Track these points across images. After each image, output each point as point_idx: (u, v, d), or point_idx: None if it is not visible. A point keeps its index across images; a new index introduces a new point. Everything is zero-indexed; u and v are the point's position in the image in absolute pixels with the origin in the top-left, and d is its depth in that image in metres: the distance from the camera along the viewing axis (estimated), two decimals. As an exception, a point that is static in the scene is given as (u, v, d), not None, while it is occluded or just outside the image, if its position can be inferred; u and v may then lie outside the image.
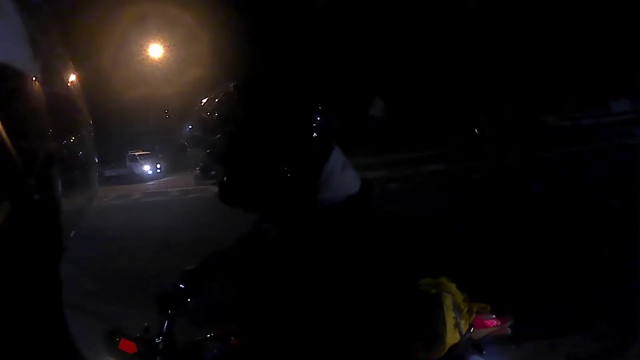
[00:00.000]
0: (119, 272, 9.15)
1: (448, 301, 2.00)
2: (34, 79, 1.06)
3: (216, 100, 1.77)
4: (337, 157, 1.74)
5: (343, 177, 1.73)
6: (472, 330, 2.09)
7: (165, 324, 2.06)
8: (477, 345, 2.11)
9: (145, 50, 37.48)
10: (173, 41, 37.01)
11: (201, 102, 1.79)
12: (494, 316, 2.23)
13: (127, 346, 1.97)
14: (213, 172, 1.79)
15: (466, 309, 2.07)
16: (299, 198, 1.69)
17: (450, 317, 1.97)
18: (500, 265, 6.26)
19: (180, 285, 2.17)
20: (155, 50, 37.35)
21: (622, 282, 5.27)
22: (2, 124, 0.92)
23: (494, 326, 2.21)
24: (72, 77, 1.27)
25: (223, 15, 33.64)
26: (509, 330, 2.24)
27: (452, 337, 1.97)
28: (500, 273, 5.78)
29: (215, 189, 1.76)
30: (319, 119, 1.75)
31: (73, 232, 1.23)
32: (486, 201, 12.12)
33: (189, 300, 2.16)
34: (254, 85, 1.83)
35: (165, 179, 33.65)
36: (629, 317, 4.72)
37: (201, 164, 1.82)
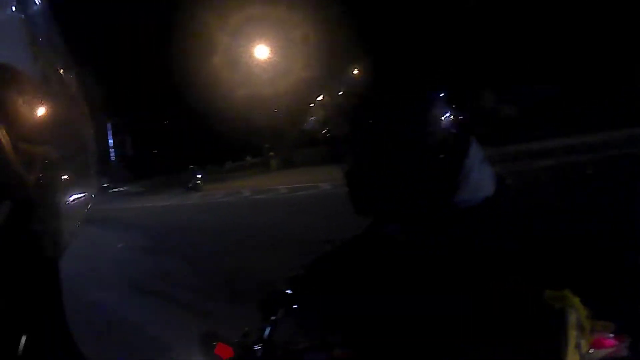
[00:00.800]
0: (226, 270, 9.34)
1: (572, 318, 1.74)
2: (34, 79, 1.06)
3: (338, 96, 1.66)
4: (475, 150, 1.55)
5: (481, 174, 1.55)
6: (591, 351, 1.86)
7: (267, 330, 1.95)
8: None
9: (251, 51, 38.60)
10: (279, 42, 37.87)
11: (320, 98, 1.69)
12: (612, 335, 1.99)
13: (224, 351, 1.90)
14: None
15: (589, 327, 1.84)
16: (434, 198, 1.53)
17: (572, 336, 1.72)
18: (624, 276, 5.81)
19: (287, 291, 2.08)
20: (262, 52, 38.36)
21: None
22: (2, 124, 0.92)
23: (612, 346, 1.97)
24: (73, 77, 1.25)
25: (330, 15, 33.95)
26: (627, 351, 1.99)
27: (572, 358, 1.75)
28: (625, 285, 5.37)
29: (327, 186, 1.65)
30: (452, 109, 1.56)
31: (74, 234, 1.18)
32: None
33: (294, 306, 2.06)
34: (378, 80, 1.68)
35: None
36: None
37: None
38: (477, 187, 1.52)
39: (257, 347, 1.91)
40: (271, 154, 41.91)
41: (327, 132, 1.62)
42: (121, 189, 60.49)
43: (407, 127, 1.48)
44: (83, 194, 1.25)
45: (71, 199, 1.16)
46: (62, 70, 1.21)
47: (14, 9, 1.08)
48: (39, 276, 1.02)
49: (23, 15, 1.08)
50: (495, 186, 1.56)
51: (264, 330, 1.95)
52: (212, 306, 6.97)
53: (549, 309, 1.76)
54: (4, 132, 0.92)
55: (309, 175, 24.02)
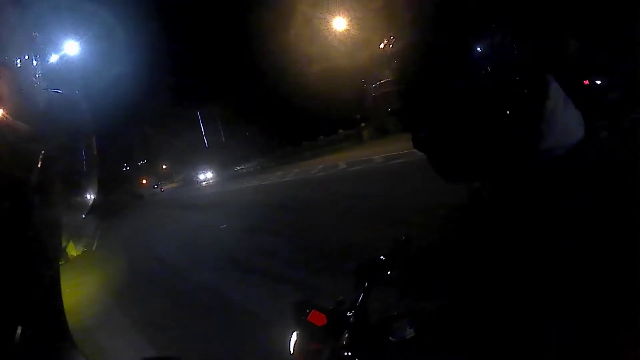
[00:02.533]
0: (327, 244, 9.37)
1: None
2: (34, 79, 1.06)
3: (393, 41, 1.50)
4: (556, 90, 1.37)
5: (567, 117, 1.37)
6: None
7: (360, 296, 1.96)
8: None
9: (329, 24, 38.42)
10: (355, 14, 37.48)
11: (380, 47, 1.52)
12: None
13: (317, 318, 1.92)
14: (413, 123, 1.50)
15: None
16: (517, 147, 1.36)
17: None
18: None
19: (381, 257, 2.06)
20: (340, 24, 38.12)
21: None
22: (2, 124, 0.92)
23: None
24: (73, 78, 1.25)
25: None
26: None
27: None
28: None
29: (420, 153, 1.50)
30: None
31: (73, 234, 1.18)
32: None
33: (388, 272, 2.05)
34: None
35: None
36: None
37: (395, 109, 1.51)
38: (564, 130, 1.35)
39: (349, 314, 1.92)
40: (362, 124, 41.73)
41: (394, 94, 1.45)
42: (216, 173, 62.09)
43: (473, 72, 1.33)
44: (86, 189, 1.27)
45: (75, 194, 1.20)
46: (63, 70, 1.23)
47: (26, 57, 1.09)
48: (39, 274, 1.04)
49: (23, 14, 1.10)
50: (584, 131, 1.38)
51: (357, 297, 1.96)
52: (315, 280, 7.05)
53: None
54: (4, 132, 0.93)
55: (401, 143, 23.80)
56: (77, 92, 1.31)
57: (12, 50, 1.07)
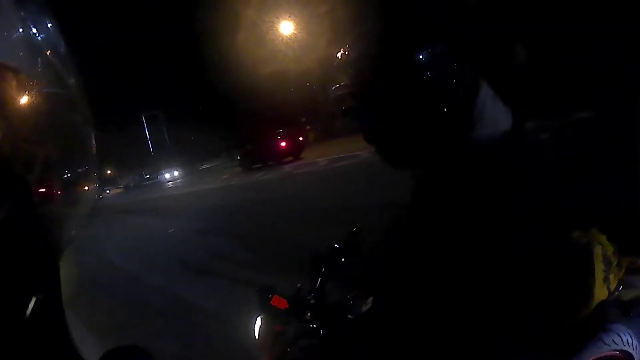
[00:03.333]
0: (273, 244, 9.57)
1: (598, 251, 1.77)
2: (34, 79, 1.07)
3: (349, 49, 1.70)
4: (486, 90, 1.63)
5: (495, 110, 1.63)
6: (620, 288, 1.89)
7: (319, 281, 2.14)
8: (624, 308, 1.92)
9: (276, 27, 38.33)
10: (304, 17, 37.47)
11: (337, 56, 1.72)
12: None
13: (279, 302, 2.06)
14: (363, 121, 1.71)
15: (615, 262, 1.89)
16: (452, 137, 1.60)
17: (599, 270, 1.75)
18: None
19: (335, 245, 2.26)
20: (287, 28, 38.06)
21: None
22: (1, 124, 0.93)
23: None
24: (72, 78, 1.27)
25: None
26: None
27: (600, 293, 1.76)
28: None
29: (365, 154, 1.68)
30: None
31: (73, 234, 1.23)
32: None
33: (342, 259, 2.24)
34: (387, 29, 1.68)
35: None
36: None
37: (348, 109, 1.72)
38: (493, 122, 1.59)
39: (309, 297, 2.10)
40: (307, 127, 41.74)
41: (347, 95, 1.68)
42: (161, 177, 60.87)
43: (414, 76, 1.56)
44: (88, 187, 1.28)
45: (77, 192, 1.22)
46: (61, 69, 1.22)
47: (21, 30, 1.09)
48: (39, 276, 1.05)
49: (22, 12, 1.07)
50: (511, 122, 1.64)
51: (316, 282, 2.14)
52: (263, 279, 7.09)
53: (575, 245, 1.84)
54: (4, 132, 0.93)
55: (347, 145, 23.90)
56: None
57: None
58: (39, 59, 1.13)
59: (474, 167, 1.56)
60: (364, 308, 2.03)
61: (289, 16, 37.87)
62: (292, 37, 38.03)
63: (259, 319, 2.22)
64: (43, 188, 1.09)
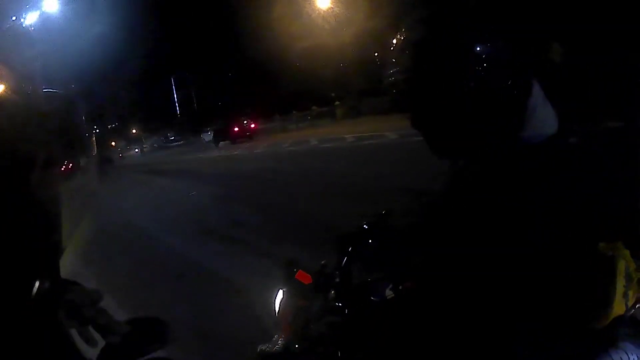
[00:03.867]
0: (297, 216, 9.57)
1: (621, 266, 1.78)
2: (33, 79, 1.04)
3: (403, 35, 1.69)
4: (538, 91, 1.64)
5: (546, 113, 1.64)
6: (637, 306, 1.89)
7: (344, 260, 2.13)
8: (637, 324, 1.92)
9: (313, 2, 38.04)
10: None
11: (393, 41, 1.70)
12: None
13: (304, 277, 2.07)
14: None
15: (636, 279, 1.88)
16: (500, 135, 1.61)
17: (621, 284, 1.76)
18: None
19: (364, 226, 2.25)
20: (323, 2, 37.77)
21: None
22: (1, 124, 0.94)
23: None
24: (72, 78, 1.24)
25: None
26: None
27: (618, 307, 1.76)
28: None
29: (393, 136, 1.71)
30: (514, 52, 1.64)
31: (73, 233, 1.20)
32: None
33: (370, 241, 2.22)
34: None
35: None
36: None
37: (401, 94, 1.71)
38: (542, 123, 1.60)
39: (334, 275, 2.09)
40: (336, 103, 41.56)
41: (399, 80, 1.66)
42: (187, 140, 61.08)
43: (471, 71, 1.55)
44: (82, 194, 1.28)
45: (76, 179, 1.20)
46: (61, 71, 1.23)
47: (14, 18, 1.09)
48: (39, 272, 1.05)
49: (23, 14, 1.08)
50: (557, 126, 1.64)
51: (341, 261, 2.12)
52: (283, 250, 7.14)
53: (600, 256, 1.83)
54: (4, 132, 0.93)
55: (375, 124, 23.77)
56: (72, 86, 1.29)
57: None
58: (39, 59, 1.13)
59: (519, 166, 1.56)
60: (388, 293, 2.03)
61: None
62: (329, 11, 37.76)
63: (280, 292, 2.20)
64: (43, 188, 1.09)
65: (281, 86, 47.98)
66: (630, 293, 1.77)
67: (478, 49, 1.57)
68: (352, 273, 2.14)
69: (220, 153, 32.37)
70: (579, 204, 1.60)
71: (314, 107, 45.57)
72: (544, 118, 1.62)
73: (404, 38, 1.67)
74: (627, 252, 1.85)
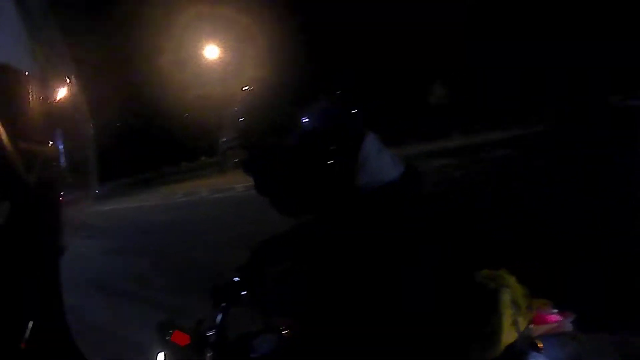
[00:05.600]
0: (187, 267, 9.55)
1: (506, 298, 1.86)
2: (33, 79, 1.06)
3: (239, 104, 1.77)
4: (371, 142, 1.72)
5: (380, 162, 1.70)
6: (530, 326, 1.98)
7: (219, 316, 2.09)
8: (534, 343, 1.97)
9: (201, 51, 38.33)
10: (229, 42, 37.71)
11: (233, 109, 1.79)
12: (555, 311, 2.11)
13: (180, 338, 2.01)
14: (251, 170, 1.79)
15: (526, 305, 1.96)
16: (338, 186, 1.68)
17: (507, 315, 1.84)
18: (563, 258, 6.11)
19: (235, 278, 2.23)
20: (212, 51, 38.12)
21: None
22: (2, 124, 0.93)
23: (555, 322, 2.09)
24: (72, 78, 1.23)
25: (278, 16, 34.14)
26: (571, 327, 2.12)
27: (508, 336, 1.85)
28: (564, 266, 5.65)
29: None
30: (346, 108, 1.75)
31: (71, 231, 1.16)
32: (549, 189, 11.79)
33: (243, 293, 2.20)
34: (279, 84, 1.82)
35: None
36: None
37: (240, 161, 1.80)
38: (375, 172, 1.68)
39: (210, 333, 2.03)
40: (227, 153, 41.52)
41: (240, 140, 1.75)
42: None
43: (302, 129, 1.65)
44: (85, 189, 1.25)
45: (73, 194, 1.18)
46: (62, 70, 1.20)
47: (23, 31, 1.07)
48: (39, 274, 1.04)
49: (23, 14, 1.07)
50: (400, 172, 1.72)
51: (217, 317, 2.08)
52: (178, 302, 7.16)
53: (481, 289, 1.90)
54: (4, 132, 0.92)
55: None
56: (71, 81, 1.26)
57: None
58: (40, 59, 1.10)
59: (359, 214, 1.63)
60: (269, 346, 1.99)
61: (214, 40, 38.00)
62: (218, 60, 38.10)
63: (159, 356, 2.11)
64: (43, 188, 1.09)
65: (169, 136, 47.49)
66: (521, 319, 1.89)
67: (307, 112, 1.65)
68: (228, 329, 2.09)
69: (114, 206, 31.67)
70: (434, 240, 1.68)
71: (203, 158, 45.44)
72: (379, 166, 1.69)
73: (238, 108, 1.75)
74: (512, 279, 1.96)
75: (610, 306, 4.71)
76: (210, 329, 2.05)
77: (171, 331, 2.02)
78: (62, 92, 1.15)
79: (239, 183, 24.50)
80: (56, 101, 1.08)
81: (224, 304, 2.13)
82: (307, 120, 1.64)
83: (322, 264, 1.71)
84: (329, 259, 1.67)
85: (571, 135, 18.51)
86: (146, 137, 50.83)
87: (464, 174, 16.49)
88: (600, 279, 5.44)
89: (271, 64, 30.14)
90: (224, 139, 1.74)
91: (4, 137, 0.92)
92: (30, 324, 0.98)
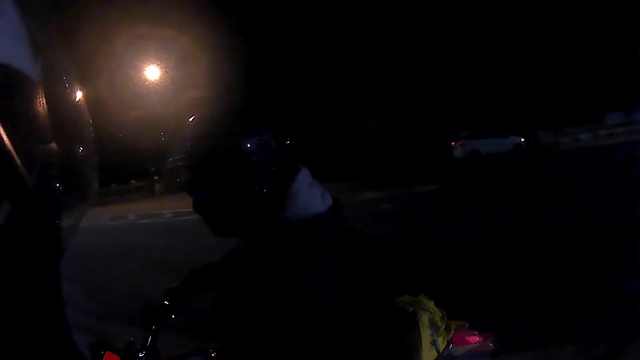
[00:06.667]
0: (116, 292, 9.37)
1: (424, 319, 2.03)
2: (33, 79, 1.06)
3: (187, 128, 1.86)
4: (303, 177, 1.84)
5: (310, 195, 1.82)
6: (450, 347, 2.12)
7: (149, 339, 2.14)
8: None
9: (142, 72, 37.76)
10: (169, 63, 37.31)
11: (181, 130, 1.88)
12: (476, 332, 2.26)
13: (111, 359, 2.02)
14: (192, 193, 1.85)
15: (444, 326, 2.10)
16: (267, 216, 1.79)
17: (426, 336, 2.01)
18: (483, 283, 6.45)
19: (165, 302, 2.28)
20: (152, 72, 37.62)
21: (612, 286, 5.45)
22: (1, 124, 0.92)
23: (475, 342, 2.23)
24: (74, 78, 1.26)
25: (219, 37, 33.98)
26: (491, 346, 2.26)
27: (428, 355, 2.00)
28: (483, 290, 5.91)
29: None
30: (280, 142, 1.86)
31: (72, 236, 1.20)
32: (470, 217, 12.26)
33: (172, 316, 2.26)
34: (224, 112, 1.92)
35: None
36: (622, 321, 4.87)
37: (182, 181, 1.87)
38: (304, 205, 1.79)
39: (141, 355, 2.08)
40: (156, 178, 40.85)
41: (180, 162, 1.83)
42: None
43: (238, 159, 1.76)
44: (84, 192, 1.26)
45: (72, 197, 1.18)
46: (62, 70, 1.21)
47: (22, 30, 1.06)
48: (39, 276, 1.05)
49: (22, 13, 1.04)
50: (328, 206, 1.84)
51: (147, 339, 2.13)
52: (103, 326, 7.08)
53: (401, 313, 2.05)
54: (4, 132, 0.93)
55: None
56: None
57: None
58: (40, 59, 1.10)
59: (284, 242, 1.74)
60: None
61: (155, 61, 37.53)
62: (159, 80, 37.60)
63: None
64: (43, 189, 1.05)
65: (102, 158, 46.19)
66: (440, 339, 2.06)
67: (247, 143, 1.77)
68: (158, 351, 2.14)
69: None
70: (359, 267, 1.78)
71: (132, 181, 44.54)
72: (306, 200, 1.81)
73: (187, 131, 1.84)
74: (431, 303, 2.14)
75: (529, 326, 4.95)
76: (140, 351, 2.09)
77: (103, 352, 2.02)
78: (63, 93, 1.12)
79: (167, 209, 24.18)
80: (57, 102, 1.05)
81: (153, 327, 2.18)
82: (247, 149, 1.76)
83: (244, 289, 1.83)
84: (250, 284, 1.79)
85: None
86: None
87: (390, 207, 16.84)
88: (520, 300, 5.75)
89: (212, 86, 29.98)
90: (170, 159, 1.82)
91: (4, 137, 0.90)
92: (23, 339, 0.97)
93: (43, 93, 1.06)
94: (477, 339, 2.24)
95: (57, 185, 1.10)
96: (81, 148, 1.27)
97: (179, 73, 36.71)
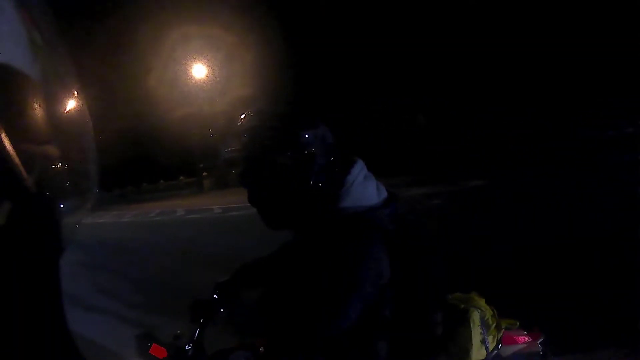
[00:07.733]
0: (164, 286, 9.47)
1: (475, 317, 2.01)
2: (34, 79, 1.06)
3: (244, 120, 1.86)
4: (359, 169, 1.83)
5: (365, 188, 1.81)
6: (500, 347, 2.09)
7: (197, 332, 2.16)
8: None
9: (189, 70, 38.28)
10: (216, 61, 37.76)
11: (238, 122, 1.88)
12: (525, 332, 2.22)
13: (158, 351, 2.04)
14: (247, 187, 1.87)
15: (494, 324, 2.08)
16: (323, 207, 1.78)
17: (477, 333, 1.99)
18: (532, 281, 6.29)
19: (214, 296, 2.29)
20: (199, 70, 38.09)
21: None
22: (1, 124, 0.92)
23: (523, 342, 2.19)
24: (73, 79, 1.26)
25: (265, 35, 34.30)
26: (540, 347, 2.22)
27: (478, 354, 1.98)
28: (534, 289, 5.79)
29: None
30: (336, 135, 1.84)
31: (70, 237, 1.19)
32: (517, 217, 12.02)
33: (221, 310, 2.27)
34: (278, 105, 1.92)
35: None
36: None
37: (238, 172, 1.88)
38: (360, 198, 1.79)
39: (188, 347, 2.09)
40: (204, 174, 41.31)
41: (238, 156, 1.85)
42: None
43: (294, 153, 1.76)
44: (83, 193, 1.27)
45: (71, 198, 1.19)
46: (62, 71, 1.21)
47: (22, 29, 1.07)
48: (38, 276, 1.04)
49: (22, 12, 1.05)
50: (382, 199, 1.84)
51: (194, 332, 2.15)
52: (150, 319, 7.15)
53: (453, 310, 2.03)
54: (4, 132, 0.92)
55: (242, 196, 23.81)
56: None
57: None
58: (40, 59, 1.10)
59: (335, 233, 1.73)
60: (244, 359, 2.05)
61: (202, 60, 38.00)
62: (205, 79, 38.08)
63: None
64: (43, 189, 1.06)
65: (151, 155, 47.06)
66: (490, 338, 2.05)
67: (306, 135, 1.77)
68: (204, 344, 2.16)
69: (88, 220, 31.01)
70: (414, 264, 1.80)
71: (181, 178, 45.06)
72: (362, 192, 1.80)
73: (244, 123, 1.85)
74: (482, 301, 2.10)
75: (578, 327, 4.84)
76: (187, 344, 2.10)
77: (149, 344, 2.05)
78: (63, 94, 1.12)
79: (216, 205, 24.39)
80: (57, 102, 1.05)
81: (201, 320, 2.19)
82: (303, 141, 1.76)
83: (295, 284, 1.82)
84: (302, 279, 1.78)
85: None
86: (126, 152, 50.37)
87: (440, 202, 16.68)
88: (570, 302, 5.57)
89: (259, 84, 30.24)
90: (227, 149, 1.83)
91: (4, 137, 0.92)
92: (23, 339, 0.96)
93: (44, 94, 1.06)
94: (526, 339, 2.21)
95: (57, 185, 1.11)
96: (81, 148, 1.27)
97: (225, 70, 37.09)
